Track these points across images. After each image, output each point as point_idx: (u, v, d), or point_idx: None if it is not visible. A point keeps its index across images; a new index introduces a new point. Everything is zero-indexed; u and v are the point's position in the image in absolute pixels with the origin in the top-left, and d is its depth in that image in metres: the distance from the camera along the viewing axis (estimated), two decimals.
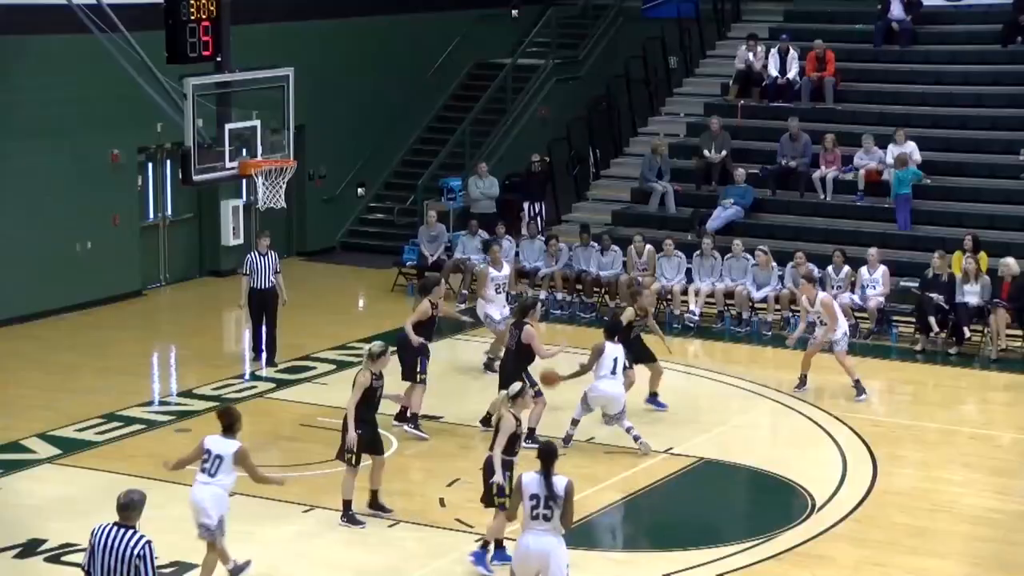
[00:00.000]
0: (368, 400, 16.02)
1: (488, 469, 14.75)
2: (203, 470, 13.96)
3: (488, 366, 21.71)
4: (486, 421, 18.81)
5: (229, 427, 14.02)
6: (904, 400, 21.42)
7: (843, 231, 26.22)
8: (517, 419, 14.61)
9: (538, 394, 18.47)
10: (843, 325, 20.87)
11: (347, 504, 16.13)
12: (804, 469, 17.93)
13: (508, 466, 14.49)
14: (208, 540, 14.03)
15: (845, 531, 16.19)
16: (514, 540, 13.44)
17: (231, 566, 14.36)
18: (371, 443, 16.14)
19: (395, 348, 18.32)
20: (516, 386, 14.81)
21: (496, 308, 21.72)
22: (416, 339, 18.92)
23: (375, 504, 16.35)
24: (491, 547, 14.80)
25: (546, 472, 12.54)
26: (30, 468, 17.95)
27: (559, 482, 12.49)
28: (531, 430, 18.53)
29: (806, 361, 21.13)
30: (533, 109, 32.02)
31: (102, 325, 24.79)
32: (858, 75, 29.68)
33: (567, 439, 18.47)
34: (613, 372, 18.20)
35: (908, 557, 15.52)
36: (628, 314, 19.41)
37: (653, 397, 20.05)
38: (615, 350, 18.29)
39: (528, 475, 12.64)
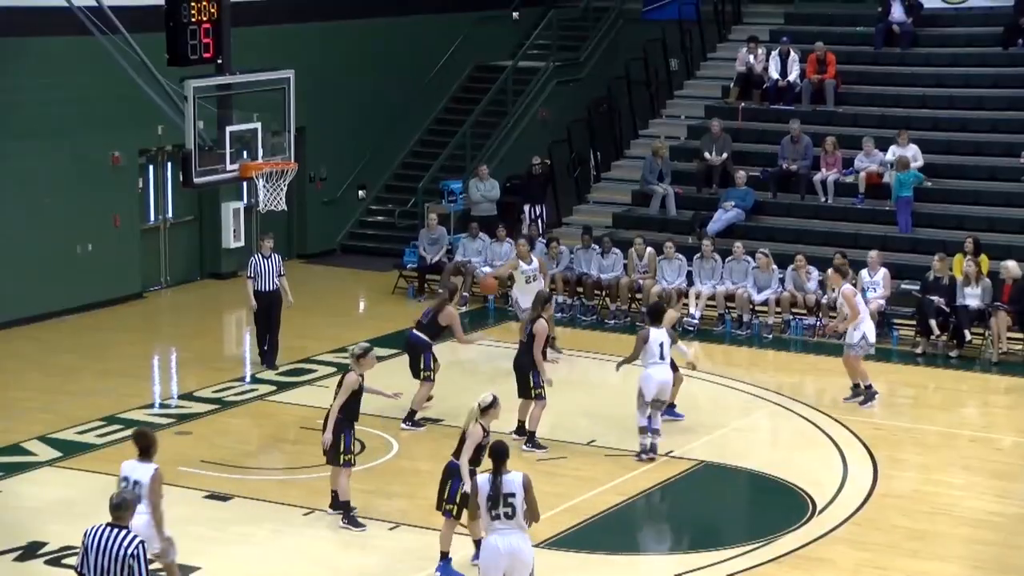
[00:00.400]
0: (356, 402, 16.14)
1: (446, 476, 14.80)
2: None
3: None
4: (519, 431, 18.84)
5: (145, 450, 13.40)
6: (905, 403, 21.37)
7: (843, 234, 26.21)
8: (486, 430, 14.61)
9: (539, 396, 18.48)
10: (864, 328, 20.46)
11: (346, 505, 16.14)
12: (804, 472, 17.91)
13: (471, 476, 14.45)
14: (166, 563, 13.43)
15: (845, 534, 16.18)
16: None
17: None
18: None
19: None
20: (488, 398, 14.68)
21: (526, 298, 22.01)
22: (471, 337, 20.77)
23: (336, 505, 16.36)
24: (450, 554, 14.79)
25: (495, 471, 12.67)
26: (30, 471, 17.94)
27: (512, 479, 12.63)
28: (531, 433, 18.53)
29: (853, 369, 20.79)
30: (534, 111, 32.01)
31: (103, 327, 24.78)
32: (858, 77, 29.68)
33: (650, 448, 18.17)
34: (661, 357, 18.12)
35: (908, 560, 15.51)
36: (671, 317, 19.40)
37: (671, 408, 19.89)
38: (660, 335, 18.18)
39: (481, 477, 12.84)
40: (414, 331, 19.84)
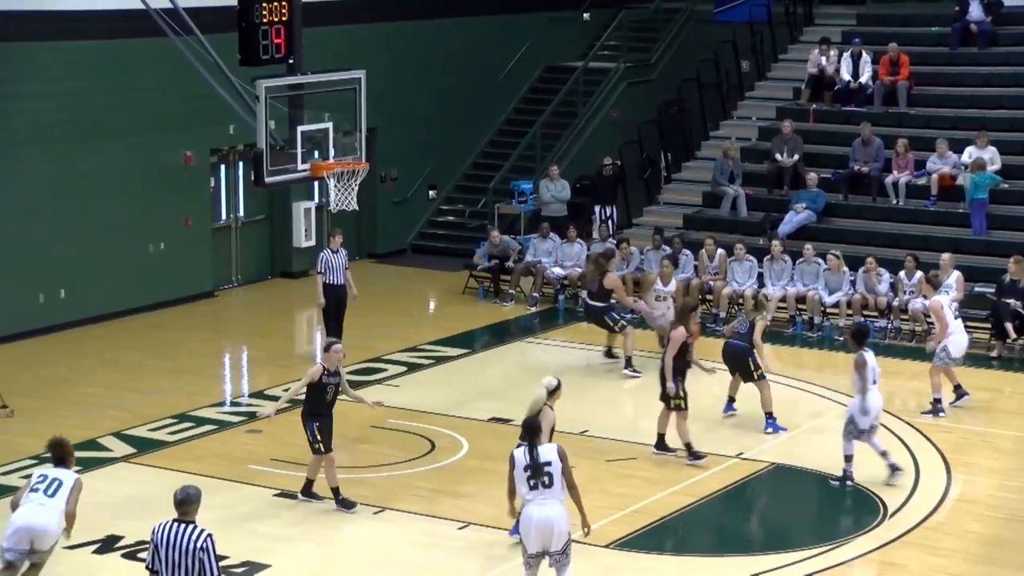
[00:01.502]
0: (319, 395, 16.48)
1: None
2: (36, 490, 13.29)
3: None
4: (659, 444, 18.49)
5: (62, 460, 13.53)
6: (979, 407, 21.07)
7: (915, 236, 25.99)
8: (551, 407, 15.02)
9: (678, 407, 18.08)
10: (950, 339, 19.97)
11: (309, 483, 16.69)
12: (875, 475, 17.71)
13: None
14: (33, 562, 13.38)
15: (917, 539, 16.00)
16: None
17: None
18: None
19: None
20: (553, 381, 15.04)
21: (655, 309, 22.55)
22: (632, 301, 22.61)
23: (339, 501, 16.57)
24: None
25: (530, 443, 13.22)
26: (106, 466, 18.11)
27: (546, 449, 13.22)
28: (687, 444, 18.12)
29: (930, 378, 20.41)
30: (604, 112, 31.98)
31: (174, 326, 24.93)
32: (932, 79, 29.37)
33: (846, 478, 17.54)
34: (874, 381, 17.53)
35: (983, 567, 15.34)
36: (762, 325, 19.75)
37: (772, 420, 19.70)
38: (872, 358, 17.55)
39: (517, 451, 13.31)
40: (589, 301, 21.86)
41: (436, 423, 19.41)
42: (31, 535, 13.20)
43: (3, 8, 22.89)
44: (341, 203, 19.72)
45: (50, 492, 13.25)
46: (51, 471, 13.46)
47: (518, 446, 13.43)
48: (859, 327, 18.46)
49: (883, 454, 17.61)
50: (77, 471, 13.76)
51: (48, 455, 13.90)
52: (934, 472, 17.98)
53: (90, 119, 24.41)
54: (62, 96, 23.99)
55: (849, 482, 17.51)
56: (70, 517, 13.34)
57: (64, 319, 24.26)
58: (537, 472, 13.10)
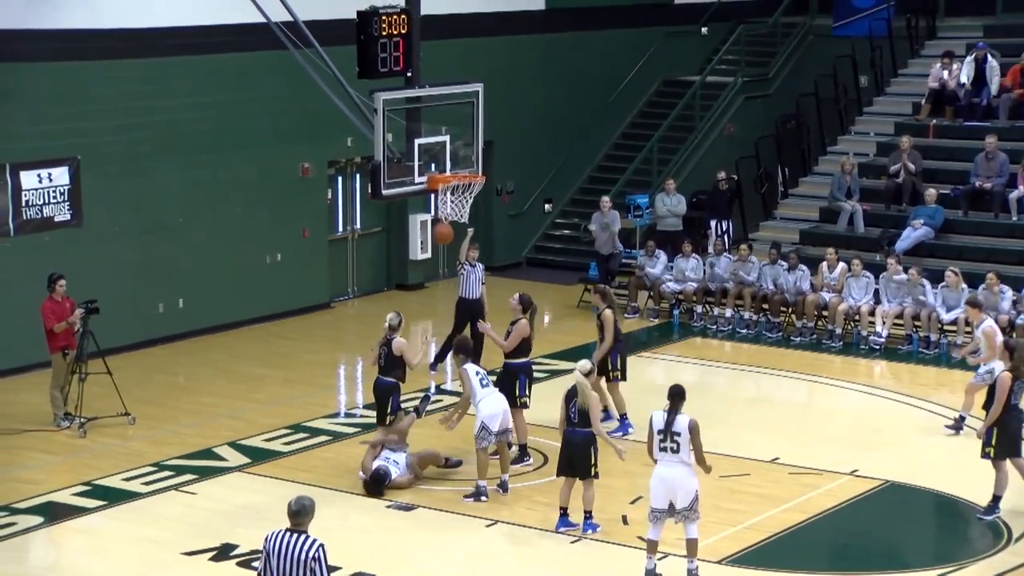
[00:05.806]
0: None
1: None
2: (486, 385, 17.55)
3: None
4: None
5: (467, 353, 17.82)
6: None
7: None
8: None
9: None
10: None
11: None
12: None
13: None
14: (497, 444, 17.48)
15: None
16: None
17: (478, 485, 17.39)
18: None
19: None
20: (588, 364, 16.24)
21: None
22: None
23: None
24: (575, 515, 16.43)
25: (671, 409, 14.59)
26: (222, 475, 18.31)
27: (681, 420, 14.56)
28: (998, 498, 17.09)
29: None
30: (721, 126, 31.85)
31: (290, 337, 25.15)
32: None
33: None
34: None
35: None
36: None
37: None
38: None
39: (657, 413, 14.69)
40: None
41: (549, 436, 19.35)
42: (501, 420, 17.40)
43: (141, 26, 23.47)
44: (453, 215, 19.76)
45: (487, 382, 17.68)
46: (478, 367, 17.93)
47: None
48: None
49: None
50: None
51: None
52: None
53: (210, 131, 24.73)
54: (188, 110, 24.36)
55: None
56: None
57: (182, 329, 24.58)
58: (668, 437, 14.51)
